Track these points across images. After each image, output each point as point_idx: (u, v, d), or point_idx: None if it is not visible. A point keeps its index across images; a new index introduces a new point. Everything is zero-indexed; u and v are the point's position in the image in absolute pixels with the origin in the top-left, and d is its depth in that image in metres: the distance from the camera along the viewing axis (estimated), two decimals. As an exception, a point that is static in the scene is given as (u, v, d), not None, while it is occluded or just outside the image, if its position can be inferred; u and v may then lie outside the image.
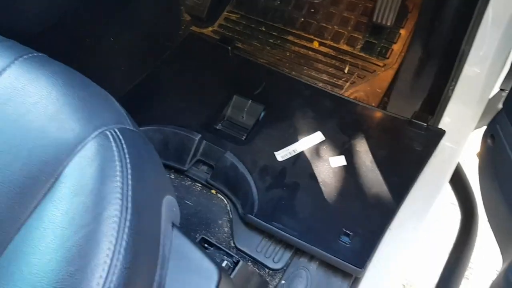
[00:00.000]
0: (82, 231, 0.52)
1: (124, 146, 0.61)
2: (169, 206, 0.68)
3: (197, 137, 1.20)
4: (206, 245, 1.00)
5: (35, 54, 0.68)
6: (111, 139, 0.61)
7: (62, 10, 1.23)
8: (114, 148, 0.60)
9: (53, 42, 1.29)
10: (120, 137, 0.62)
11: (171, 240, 0.67)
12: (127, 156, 0.60)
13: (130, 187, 0.57)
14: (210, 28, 1.57)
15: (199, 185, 1.19)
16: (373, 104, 1.30)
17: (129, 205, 0.55)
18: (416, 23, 1.27)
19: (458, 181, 1.26)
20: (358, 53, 1.41)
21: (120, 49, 1.43)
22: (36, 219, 0.55)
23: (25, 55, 0.67)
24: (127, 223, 0.54)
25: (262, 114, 1.25)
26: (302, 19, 1.51)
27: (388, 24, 1.30)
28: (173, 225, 0.69)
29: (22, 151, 0.58)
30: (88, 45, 1.37)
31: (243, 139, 1.22)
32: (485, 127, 1.23)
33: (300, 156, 1.16)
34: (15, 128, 0.60)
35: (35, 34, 1.23)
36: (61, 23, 1.29)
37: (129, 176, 0.58)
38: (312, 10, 1.51)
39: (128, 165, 0.59)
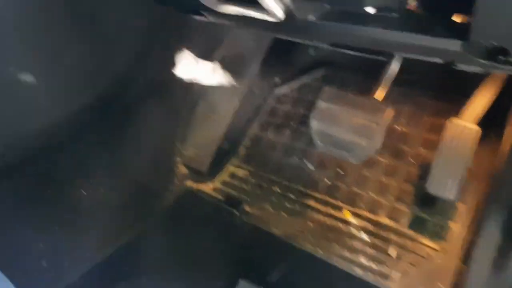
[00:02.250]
0: None
1: None
2: None
3: None
4: None
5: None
6: None
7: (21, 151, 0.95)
8: None
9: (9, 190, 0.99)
10: None
11: None
12: None
13: None
14: (211, 185, 1.29)
15: None
16: (436, 306, 0.94)
17: None
18: (488, 199, 0.97)
19: None
20: (406, 231, 1.08)
21: (95, 205, 1.14)
22: None
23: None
24: None
25: (280, 312, 0.91)
26: (328, 182, 1.22)
27: (451, 197, 1.00)
28: None
29: None
30: (51, 198, 1.06)
31: None
32: None
33: None
34: None
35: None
36: (20, 164, 1.00)
37: None
38: (341, 171, 1.22)
39: None
